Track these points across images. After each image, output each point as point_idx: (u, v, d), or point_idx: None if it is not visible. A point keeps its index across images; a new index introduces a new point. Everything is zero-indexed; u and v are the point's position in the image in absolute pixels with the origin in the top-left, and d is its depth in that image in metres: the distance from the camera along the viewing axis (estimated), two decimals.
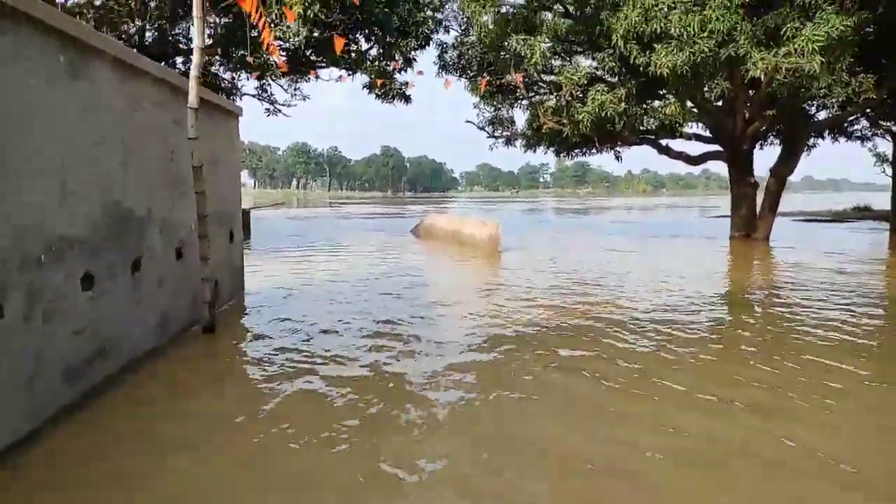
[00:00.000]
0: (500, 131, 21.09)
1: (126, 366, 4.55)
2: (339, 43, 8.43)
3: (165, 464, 3.23)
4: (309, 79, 16.77)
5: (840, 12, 10.92)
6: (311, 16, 11.59)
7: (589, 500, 2.96)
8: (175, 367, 4.93)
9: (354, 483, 3.08)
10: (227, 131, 7.28)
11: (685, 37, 11.45)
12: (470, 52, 18.51)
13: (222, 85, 16.34)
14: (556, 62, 17.21)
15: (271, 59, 13.57)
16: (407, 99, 16.98)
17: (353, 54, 15.21)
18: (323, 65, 15.81)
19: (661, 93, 16.00)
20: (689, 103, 15.47)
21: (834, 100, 16.15)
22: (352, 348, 5.58)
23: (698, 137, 18.72)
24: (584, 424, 3.85)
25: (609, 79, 15.77)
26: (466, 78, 19.38)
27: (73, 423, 3.64)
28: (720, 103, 16.76)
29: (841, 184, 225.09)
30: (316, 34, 13.27)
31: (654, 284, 9.27)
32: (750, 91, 15.16)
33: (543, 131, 17.62)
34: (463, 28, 18.70)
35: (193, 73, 5.51)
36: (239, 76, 16.59)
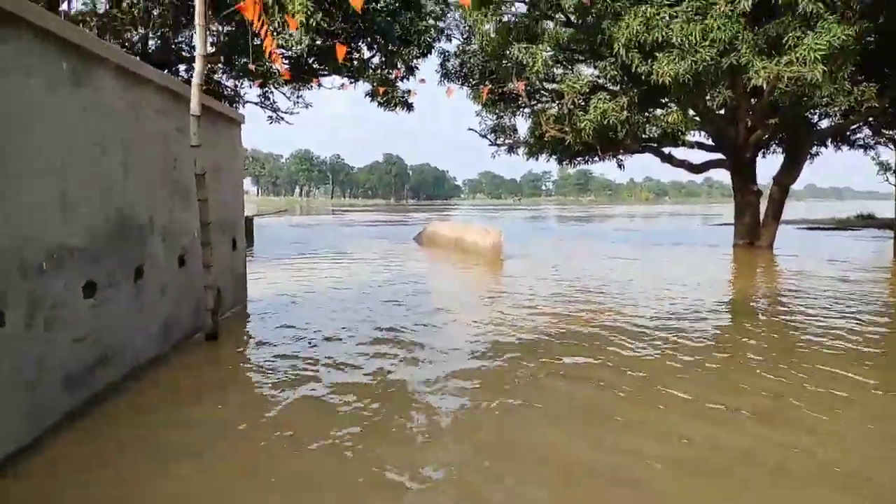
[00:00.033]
0: (502, 139, 21.15)
1: (128, 373, 4.54)
2: (340, 51, 8.46)
3: (167, 471, 3.22)
4: (311, 86, 16.83)
5: (841, 22, 10.94)
6: (314, 24, 11.62)
7: None
8: (177, 374, 4.92)
9: (357, 489, 3.06)
10: (229, 139, 7.29)
11: (687, 45, 11.48)
12: (472, 60, 18.59)
13: (225, 92, 16.40)
14: (558, 70, 17.29)
15: (274, 67, 13.62)
16: (409, 107, 17.01)
17: (355, 62, 15.25)
18: (325, 73, 15.87)
19: (664, 101, 16.03)
20: (691, 112, 15.49)
21: (836, 108, 16.16)
22: (355, 355, 5.56)
23: (701, 146, 18.73)
24: (588, 432, 3.83)
25: (611, 87, 15.81)
26: (468, 86, 19.46)
27: (74, 430, 3.62)
28: (722, 112, 16.79)
29: (844, 192, 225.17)
30: (318, 42, 13.32)
31: (658, 292, 9.24)
32: (752, 99, 15.17)
33: (546, 139, 17.66)
34: (465, 37, 18.80)
35: (196, 80, 5.53)
36: (242, 84, 16.64)
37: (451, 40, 18.62)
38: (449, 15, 17.52)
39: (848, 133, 20.04)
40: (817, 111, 17.64)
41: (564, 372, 5.14)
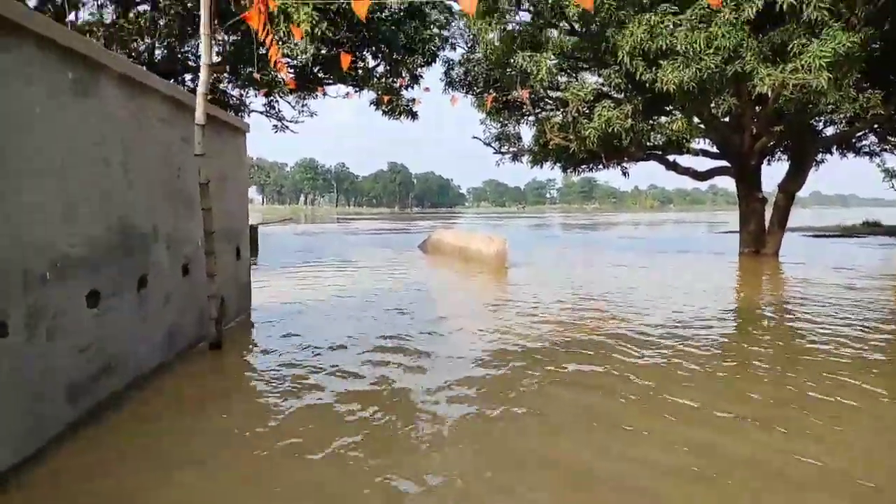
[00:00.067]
0: (506, 147, 21.16)
1: (132, 382, 4.53)
2: (345, 60, 8.49)
3: (170, 480, 3.21)
4: (316, 95, 16.90)
5: (846, 29, 10.93)
6: (319, 33, 11.69)
7: None
8: (181, 383, 4.91)
9: (360, 497, 3.05)
10: (234, 148, 7.31)
11: (691, 53, 11.47)
12: (476, 68, 18.64)
13: (230, 102, 16.49)
14: (563, 79, 17.31)
15: (279, 76, 13.69)
16: (414, 115, 17.07)
17: (360, 71, 15.32)
18: (330, 81, 15.94)
19: (668, 109, 16.01)
20: (695, 119, 15.47)
21: (841, 115, 16.15)
22: (359, 364, 5.55)
23: (706, 153, 18.70)
24: (593, 440, 3.80)
25: (615, 95, 15.82)
26: (473, 94, 19.51)
27: (78, 440, 3.61)
28: (727, 119, 16.77)
29: (849, 199, 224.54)
30: (323, 51, 13.39)
31: (664, 300, 9.20)
32: (757, 107, 15.15)
33: (550, 147, 17.67)
34: (469, 45, 18.85)
35: (200, 89, 5.55)
36: (247, 93, 16.74)
37: (455, 49, 18.70)
38: (453, 24, 17.59)
39: (853, 140, 20.00)
40: (822, 118, 17.61)
41: (570, 380, 5.11)
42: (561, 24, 15.51)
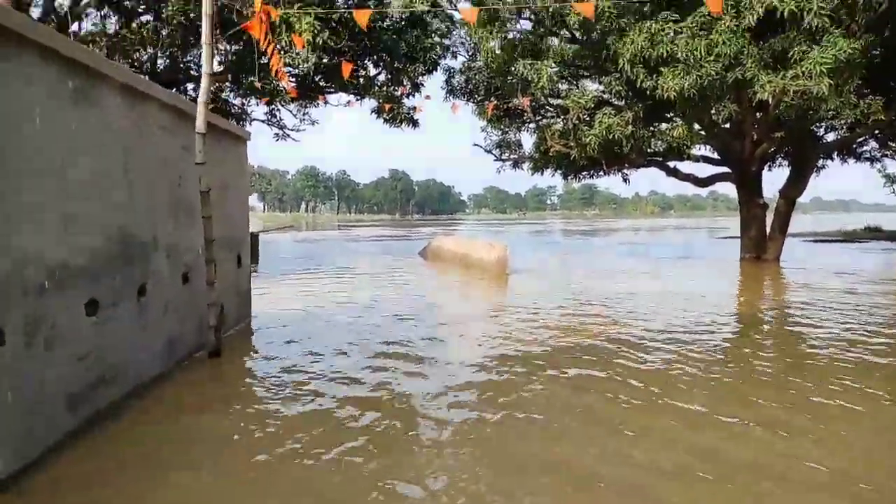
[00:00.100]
0: (507, 154, 21.21)
1: (131, 391, 4.52)
2: (346, 68, 8.53)
3: (170, 486, 3.20)
4: (318, 104, 16.94)
5: (847, 36, 10.96)
6: (321, 42, 11.73)
7: None
8: (181, 391, 4.90)
9: (362, 502, 3.05)
10: (235, 156, 7.33)
11: (692, 60, 11.51)
12: (477, 76, 18.70)
13: (232, 110, 16.53)
14: (563, 86, 17.34)
15: (281, 85, 13.73)
16: (415, 123, 17.10)
17: (361, 80, 15.36)
18: (332, 90, 15.97)
19: (669, 115, 16.05)
20: (696, 126, 15.49)
21: (842, 121, 16.16)
22: (359, 370, 5.54)
23: (706, 159, 18.71)
24: (595, 444, 3.80)
25: (616, 102, 15.85)
26: (474, 102, 19.56)
27: (77, 448, 3.60)
28: (728, 126, 16.79)
29: (850, 204, 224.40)
30: (325, 60, 13.43)
31: (665, 306, 9.18)
32: (758, 113, 15.17)
33: (551, 154, 17.69)
34: (470, 53, 18.91)
35: (201, 98, 5.57)
36: (249, 102, 16.78)
37: (456, 57, 18.76)
38: (454, 32, 17.65)
39: (854, 146, 20.00)
40: (823, 124, 17.63)
41: (572, 385, 5.11)
42: (562, 33, 15.58)
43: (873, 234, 31.71)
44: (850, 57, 10.68)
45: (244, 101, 16.71)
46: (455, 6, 16.01)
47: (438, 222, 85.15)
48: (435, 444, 3.82)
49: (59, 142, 3.66)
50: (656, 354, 6.08)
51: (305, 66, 13.17)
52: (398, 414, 4.36)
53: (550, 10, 13.95)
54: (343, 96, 16.22)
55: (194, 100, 5.74)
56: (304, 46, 11.34)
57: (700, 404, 4.53)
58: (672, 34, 11.69)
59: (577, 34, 15.20)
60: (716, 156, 18.31)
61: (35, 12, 12.74)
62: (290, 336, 7.02)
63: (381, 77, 16.17)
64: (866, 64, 11.74)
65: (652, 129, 15.66)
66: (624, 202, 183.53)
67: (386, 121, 16.81)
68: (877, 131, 17.12)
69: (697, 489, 3.17)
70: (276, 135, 18.88)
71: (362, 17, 6.68)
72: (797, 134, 16.13)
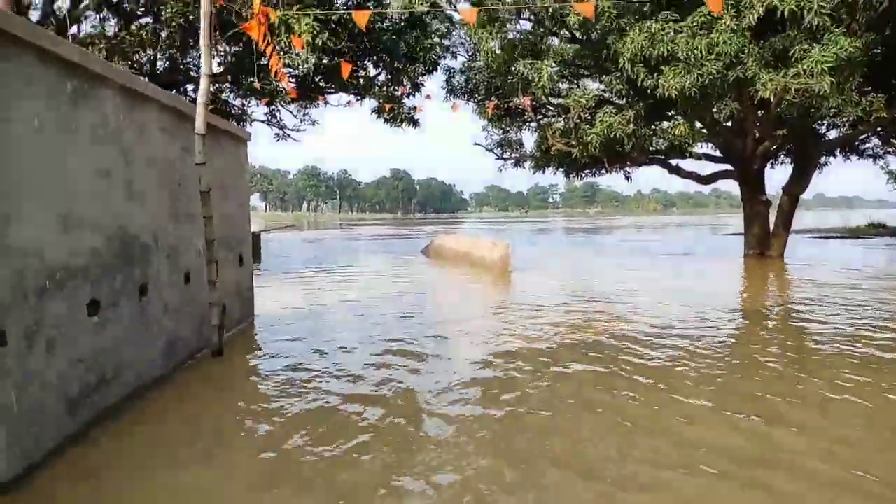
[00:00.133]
0: (508, 153, 21.19)
1: (133, 392, 4.53)
2: (345, 69, 8.53)
3: (173, 485, 3.21)
4: (318, 104, 16.95)
5: (848, 34, 10.94)
6: (320, 43, 11.73)
7: None
8: (182, 392, 4.91)
9: (369, 497, 3.08)
10: (235, 156, 7.33)
11: (693, 59, 11.49)
12: (477, 76, 18.68)
13: (232, 111, 16.55)
14: (564, 86, 17.32)
15: (281, 86, 13.74)
16: (415, 123, 17.09)
17: (361, 80, 15.36)
18: (332, 90, 15.98)
19: (670, 114, 16.02)
20: (698, 124, 15.47)
21: (844, 119, 16.12)
22: (363, 367, 5.57)
23: (708, 157, 18.67)
24: (600, 439, 3.81)
25: (617, 101, 15.83)
26: (474, 102, 19.54)
27: (77, 449, 3.61)
28: (730, 124, 16.75)
29: (853, 201, 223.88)
30: (325, 61, 13.43)
31: (670, 302, 9.17)
32: (759, 111, 15.14)
33: (552, 153, 17.68)
34: (470, 53, 18.89)
35: (200, 99, 5.58)
36: (249, 102, 16.80)
37: (456, 57, 18.74)
38: (454, 33, 17.63)
39: (857, 143, 19.96)
40: (825, 122, 17.59)
41: (576, 381, 5.11)
42: (562, 32, 15.56)
43: (877, 230, 31.64)
44: (852, 55, 10.66)
45: (244, 101, 16.73)
46: (454, 7, 15.99)
47: (440, 221, 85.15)
48: (440, 440, 3.84)
49: (59, 143, 3.66)
50: (662, 351, 6.08)
51: (305, 66, 13.16)
52: (403, 411, 4.38)
53: (550, 10, 13.93)
54: (343, 96, 16.23)
55: (194, 101, 5.74)
56: (303, 47, 11.34)
57: (706, 400, 4.54)
58: (672, 33, 11.67)
59: (577, 34, 15.18)
60: (718, 153, 18.28)
61: (34, 15, 12.76)
62: (293, 334, 7.04)
63: (381, 77, 16.17)
64: (867, 62, 11.71)
65: (653, 127, 15.63)
66: (626, 200, 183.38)
67: (386, 121, 16.80)
68: (879, 128, 17.09)
69: (704, 484, 3.18)
70: (277, 135, 18.91)
71: (361, 18, 6.68)
72: (799, 132, 16.10)
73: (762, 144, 16.63)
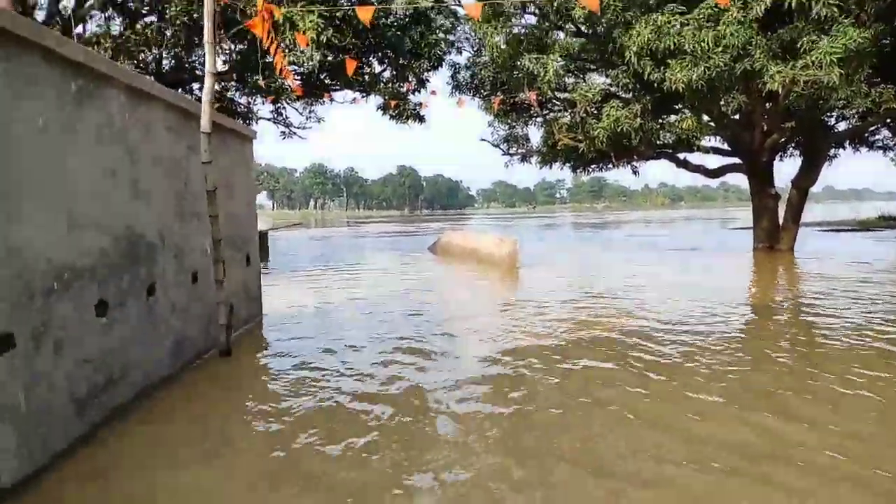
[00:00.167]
0: (515, 149, 21.12)
1: (140, 392, 4.54)
2: (350, 65, 8.49)
3: (177, 486, 3.21)
4: (323, 101, 16.93)
5: (856, 25, 10.82)
6: (325, 40, 11.71)
7: None
8: (189, 391, 4.91)
9: (378, 494, 3.08)
10: (241, 155, 7.33)
11: (699, 52, 11.39)
12: (483, 72, 18.61)
13: (238, 110, 16.56)
14: (570, 80, 17.25)
15: (286, 84, 13.73)
16: (421, 119, 17.05)
17: (366, 77, 15.33)
18: (337, 87, 15.96)
19: (677, 107, 15.91)
20: (705, 117, 15.36)
21: (854, 111, 15.96)
22: (371, 366, 5.56)
23: (716, 150, 18.55)
24: (610, 436, 3.79)
25: (624, 95, 15.74)
26: (480, 97, 19.48)
27: (86, 450, 3.61)
28: (737, 117, 16.63)
29: (863, 193, 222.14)
30: (330, 58, 13.40)
31: (679, 297, 9.11)
32: (767, 104, 15.01)
33: (559, 148, 17.62)
34: (475, 49, 18.83)
35: (205, 97, 5.57)
36: (254, 100, 16.81)
37: (461, 53, 18.68)
38: (459, 28, 17.57)
39: (866, 135, 19.77)
40: (834, 114, 17.43)
41: (586, 377, 5.09)
42: (567, 27, 15.46)
43: (888, 222, 31.36)
44: (860, 46, 10.55)
45: (250, 99, 16.74)
46: (458, 2, 15.93)
47: (447, 217, 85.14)
48: (449, 437, 3.83)
49: (64, 143, 3.66)
50: (671, 346, 6.04)
51: (310, 64, 13.14)
52: (412, 408, 4.37)
53: (555, 4, 13.85)
54: (348, 93, 16.20)
55: (200, 99, 5.74)
56: (307, 44, 11.32)
57: (717, 395, 4.50)
58: (679, 26, 11.58)
59: (583, 28, 15.08)
60: (726, 147, 18.16)
61: (39, 15, 12.80)
62: (301, 333, 7.04)
63: (387, 74, 16.14)
64: (877, 53, 11.58)
65: (660, 121, 15.55)
66: (634, 194, 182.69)
67: (392, 117, 16.77)
68: (889, 120, 16.90)
69: (719, 481, 3.15)
70: (283, 133, 18.92)
71: (366, 14, 6.65)
72: (808, 124, 15.95)
73: (770, 137, 16.50)
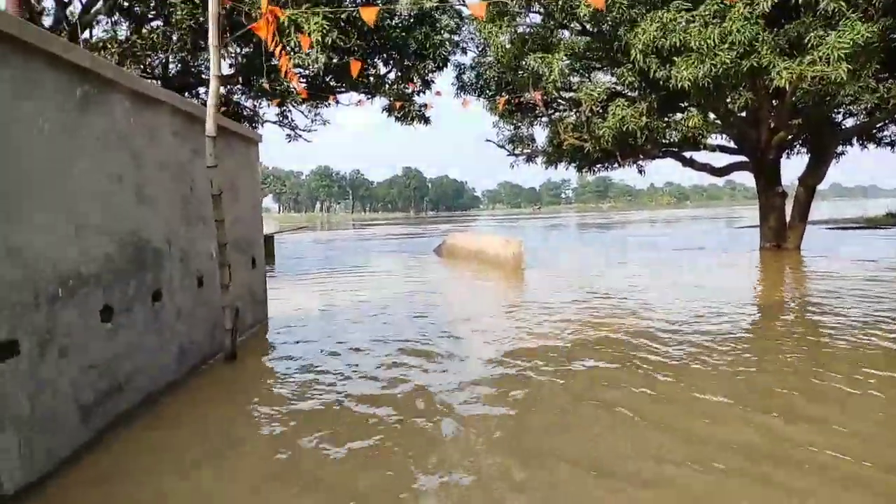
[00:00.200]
0: (520, 149, 21.09)
1: (146, 397, 4.53)
2: (355, 67, 8.48)
3: (183, 492, 3.20)
4: (329, 104, 16.96)
5: (864, 20, 10.74)
6: (330, 42, 11.72)
7: None
8: (195, 396, 4.91)
9: (383, 496, 3.07)
10: (246, 158, 7.33)
11: (705, 49, 11.34)
12: (487, 72, 18.59)
13: (244, 113, 16.60)
14: (575, 79, 17.20)
15: (291, 86, 13.75)
16: (426, 120, 17.05)
17: (371, 78, 15.34)
18: (342, 89, 15.98)
19: (683, 105, 15.85)
20: (711, 115, 15.29)
21: (861, 107, 15.85)
22: (376, 368, 5.55)
23: (723, 149, 18.46)
24: (614, 437, 3.76)
25: (629, 93, 15.70)
26: (485, 97, 19.46)
27: (91, 456, 3.61)
28: (744, 114, 16.54)
29: (870, 190, 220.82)
30: (335, 60, 13.42)
31: (685, 297, 9.06)
32: (774, 101, 14.93)
33: (564, 147, 17.59)
34: (480, 49, 18.81)
35: (210, 101, 5.56)
36: (260, 104, 16.85)
37: (466, 53, 18.65)
38: (464, 28, 17.55)
39: (874, 131, 19.62)
40: (841, 110, 17.32)
41: (591, 378, 5.06)
42: (572, 25, 15.42)
43: (895, 220, 31.14)
44: (868, 41, 10.47)
45: (255, 103, 16.79)
46: (463, 1, 15.91)
47: (453, 219, 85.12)
48: (454, 439, 3.82)
49: (69, 148, 3.66)
50: (677, 347, 6.00)
51: (315, 66, 13.16)
52: (417, 410, 4.36)
53: (560, 2, 13.81)
54: (354, 95, 16.22)
55: (206, 103, 5.73)
56: (311, 47, 11.33)
57: (723, 395, 4.46)
58: (684, 23, 11.52)
59: (588, 26, 15.03)
60: (732, 145, 18.06)
61: (46, 21, 12.86)
62: (306, 336, 7.03)
63: (392, 75, 16.15)
64: (884, 48, 11.49)
65: (666, 119, 15.49)
66: (639, 194, 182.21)
67: (397, 119, 16.78)
68: None
69: (724, 482, 3.13)
70: (289, 136, 18.96)
71: (370, 15, 6.63)
72: (815, 120, 15.86)
73: (777, 134, 16.40)
